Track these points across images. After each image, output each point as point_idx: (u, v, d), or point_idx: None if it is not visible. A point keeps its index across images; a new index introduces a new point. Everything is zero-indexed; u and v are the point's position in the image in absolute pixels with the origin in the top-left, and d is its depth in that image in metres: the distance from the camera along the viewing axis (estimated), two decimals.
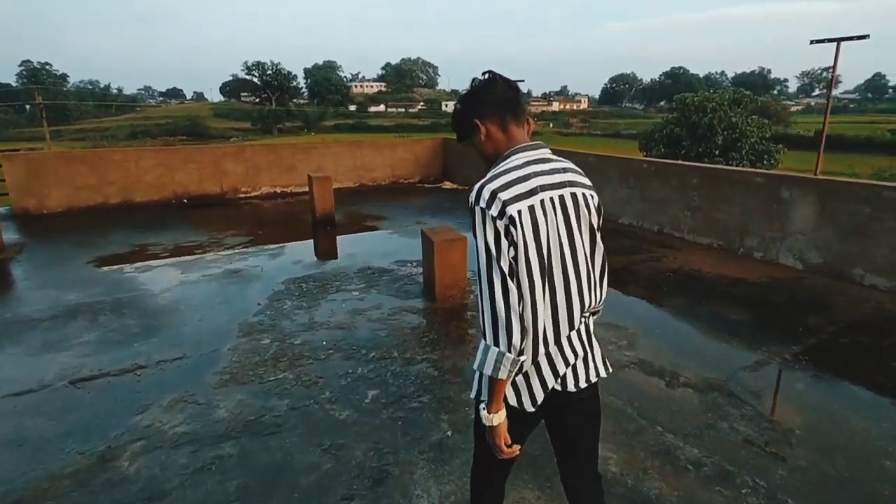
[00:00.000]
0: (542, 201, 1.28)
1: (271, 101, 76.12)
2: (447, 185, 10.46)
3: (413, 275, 5.09)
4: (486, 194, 1.26)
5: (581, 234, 1.36)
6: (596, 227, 1.40)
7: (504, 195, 1.25)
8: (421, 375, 3.20)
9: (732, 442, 2.54)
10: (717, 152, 15.13)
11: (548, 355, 1.35)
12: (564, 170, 1.37)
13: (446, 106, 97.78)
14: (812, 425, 2.68)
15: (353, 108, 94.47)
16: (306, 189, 9.75)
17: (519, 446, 1.37)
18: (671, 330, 3.87)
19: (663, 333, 3.77)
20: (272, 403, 2.92)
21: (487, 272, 1.25)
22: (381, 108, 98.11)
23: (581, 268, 1.36)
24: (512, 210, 1.23)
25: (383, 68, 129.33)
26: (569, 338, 1.37)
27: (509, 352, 1.23)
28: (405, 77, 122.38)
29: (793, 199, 5.08)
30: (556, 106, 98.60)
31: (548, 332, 1.33)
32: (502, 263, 1.24)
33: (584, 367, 1.42)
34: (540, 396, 1.37)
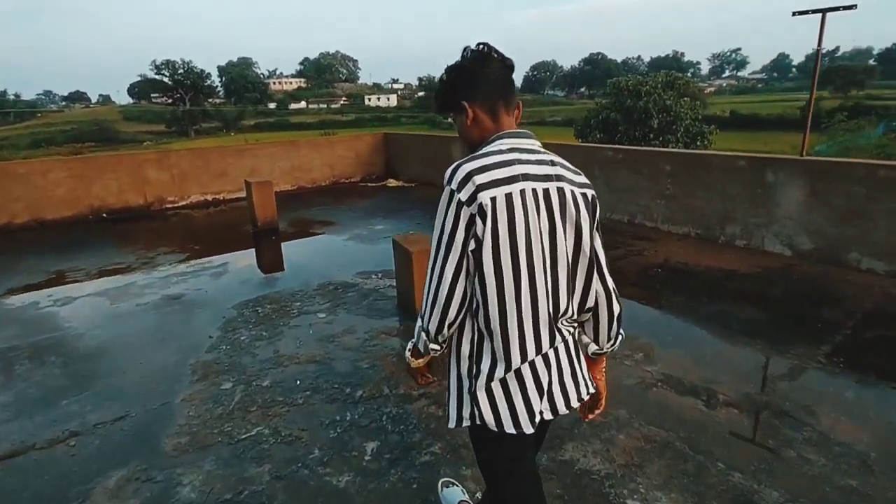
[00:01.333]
0: (522, 191, 1.16)
1: (185, 101, 71.23)
2: (392, 182, 9.97)
3: (381, 288, 4.63)
4: (459, 175, 1.16)
5: (565, 234, 1.23)
6: (586, 228, 1.25)
7: (480, 178, 1.14)
8: (423, 416, 2.77)
9: (811, 477, 2.24)
10: (651, 135, 15.65)
11: (531, 367, 1.25)
12: (552, 163, 1.25)
13: (369, 100, 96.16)
14: (882, 442, 2.44)
15: (272, 105, 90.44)
16: (241, 195, 9.00)
17: (430, 377, 1.44)
18: (684, 336, 3.64)
19: (677, 340, 3.55)
20: (250, 472, 2.40)
21: (435, 253, 1.18)
22: (303, 104, 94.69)
23: (560, 272, 1.23)
24: (484, 197, 1.12)
25: (301, 63, 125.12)
26: (545, 354, 1.26)
27: (426, 332, 1.25)
28: (325, 72, 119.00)
29: (779, 183, 5.00)
30: None
31: (526, 342, 1.21)
32: (457, 252, 1.15)
33: (564, 390, 1.31)
34: (529, 416, 1.26)
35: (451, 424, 1.32)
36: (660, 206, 5.98)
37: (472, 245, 1.15)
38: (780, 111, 46.73)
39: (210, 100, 79.69)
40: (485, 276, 1.17)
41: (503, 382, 1.25)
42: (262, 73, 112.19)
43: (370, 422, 2.75)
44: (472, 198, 1.13)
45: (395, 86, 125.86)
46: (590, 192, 1.28)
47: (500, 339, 1.20)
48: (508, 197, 1.14)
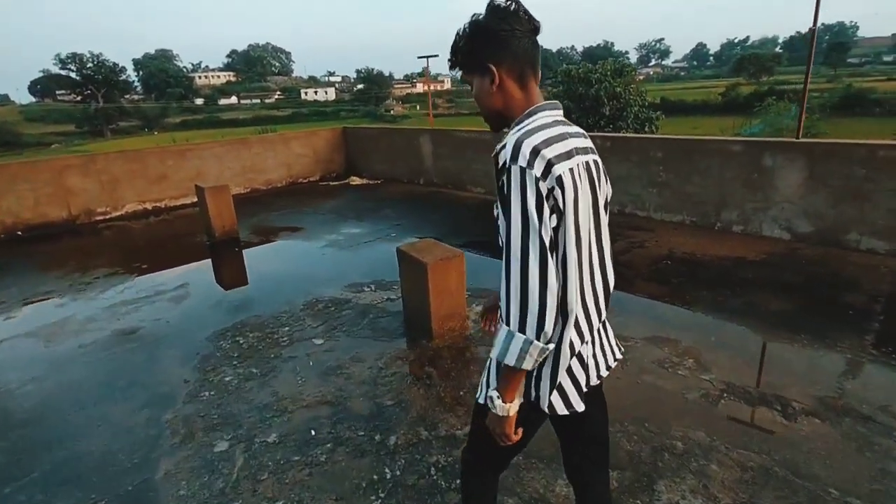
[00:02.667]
0: (577, 165, 1.12)
1: (97, 98, 65.80)
2: (355, 180, 9.29)
3: (379, 303, 4.07)
4: (526, 150, 1.05)
5: (601, 206, 1.23)
6: (609, 197, 1.29)
7: (548, 153, 1.06)
8: None
9: None
10: (602, 122, 15.71)
11: (592, 342, 1.24)
12: (583, 135, 1.23)
13: (305, 94, 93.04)
14: None
15: (199, 101, 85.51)
16: (187, 202, 8.08)
17: (521, 430, 1.22)
18: (724, 335, 3.33)
19: (721, 342, 3.23)
20: None
21: (523, 244, 1.05)
22: (234, 99, 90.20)
23: (604, 244, 1.25)
24: (559, 170, 1.06)
25: (229, 56, 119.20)
26: (602, 323, 1.29)
27: (538, 339, 1.06)
28: (255, 65, 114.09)
29: (777, 166, 4.84)
30: (420, 87, 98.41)
31: (591, 315, 1.21)
32: (543, 234, 1.05)
33: (604, 355, 1.32)
34: (583, 393, 1.24)
35: (481, 399, 1.29)
36: (652, 194, 5.74)
37: (553, 222, 1.07)
38: (703, 97, 49.08)
39: (126, 96, 74.20)
40: (567, 253, 1.10)
41: (576, 363, 1.22)
42: (186, 67, 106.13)
43: (418, 478, 2.23)
44: (547, 172, 1.05)
45: (333, 79, 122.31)
46: (599, 159, 1.27)
47: (573, 317, 1.15)
48: (571, 172, 1.09)
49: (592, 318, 1.22)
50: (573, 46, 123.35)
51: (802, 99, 4.96)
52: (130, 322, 3.98)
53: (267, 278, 4.82)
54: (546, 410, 1.21)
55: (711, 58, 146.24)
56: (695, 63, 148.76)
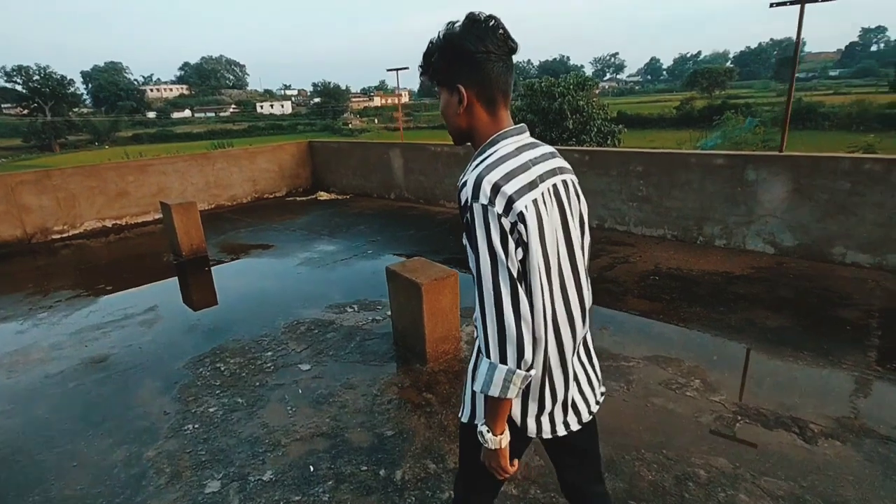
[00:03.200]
0: (542, 194, 1.13)
1: (45, 111, 62.48)
2: (323, 195, 9.12)
3: (364, 325, 3.96)
4: (486, 188, 1.07)
5: (573, 226, 1.24)
6: (586, 214, 1.31)
7: (508, 188, 1.08)
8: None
9: None
10: (566, 135, 16.03)
11: (568, 362, 1.25)
12: (552, 154, 1.25)
13: (261, 108, 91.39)
14: None
15: (152, 114, 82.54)
16: (149, 219, 7.74)
17: (517, 461, 1.25)
18: (726, 353, 3.36)
19: (723, 360, 3.26)
20: None
21: (493, 279, 1.08)
22: (187, 113, 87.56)
23: (578, 266, 1.25)
24: (520, 206, 1.07)
25: (182, 69, 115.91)
26: (576, 352, 1.29)
27: (519, 368, 1.09)
28: (209, 78, 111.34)
29: (761, 180, 4.89)
30: (377, 101, 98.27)
31: (564, 338, 1.22)
32: (510, 267, 1.07)
33: (591, 388, 1.36)
34: (567, 423, 1.29)
35: (464, 419, 1.31)
36: (632, 208, 5.85)
37: (519, 255, 1.09)
38: (658, 111, 50.93)
39: (75, 109, 70.84)
40: (531, 283, 1.12)
41: (557, 383, 1.24)
42: (137, 80, 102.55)
43: None
44: (508, 208, 1.07)
45: (289, 92, 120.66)
46: (574, 177, 1.29)
47: (544, 343, 1.17)
48: (535, 203, 1.10)
49: (566, 341, 1.23)
50: (529, 60, 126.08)
51: (786, 112, 5.16)
52: (99, 349, 3.72)
53: (242, 299, 4.62)
54: (532, 436, 1.25)
55: (665, 72, 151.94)
56: (649, 77, 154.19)
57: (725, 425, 2.63)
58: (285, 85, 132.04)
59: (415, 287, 3.21)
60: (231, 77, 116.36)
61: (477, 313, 1.11)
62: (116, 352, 3.68)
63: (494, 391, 1.09)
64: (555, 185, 1.17)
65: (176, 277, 5.35)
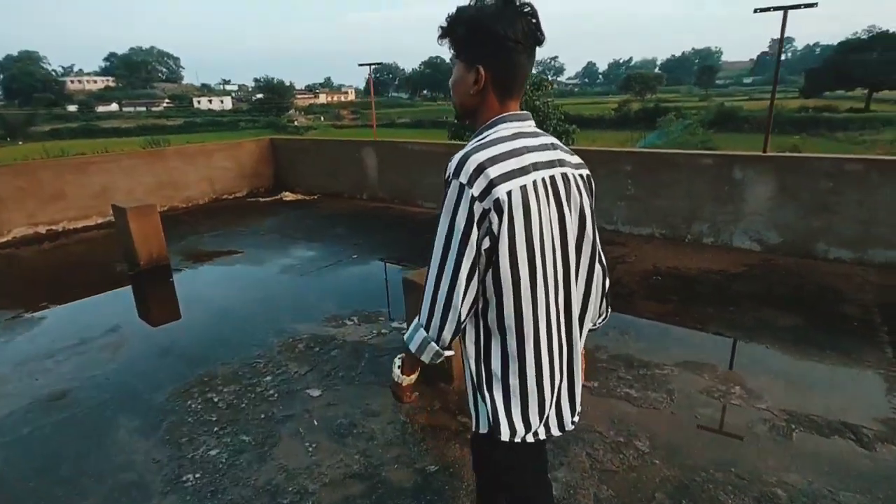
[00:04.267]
0: (534, 182, 1.07)
1: None
2: (288, 196, 8.53)
3: (369, 339, 3.57)
4: (470, 166, 1.03)
5: (570, 222, 1.17)
6: (589, 213, 1.22)
7: (493, 171, 1.03)
8: None
9: None
10: None
11: (537, 364, 1.16)
12: (553, 146, 1.18)
13: (198, 103, 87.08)
14: None
15: (73, 108, 76.61)
16: (90, 223, 6.93)
17: (416, 393, 1.30)
18: (753, 356, 3.24)
19: (753, 364, 3.14)
20: None
21: (442, 257, 1.07)
22: (114, 107, 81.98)
23: (570, 265, 1.19)
24: (500, 192, 1.02)
25: (107, 60, 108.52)
26: (562, 348, 1.20)
27: (436, 342, 1.12)
28: (139, 70, 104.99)
29: (747, 180, 4.98)
30: (323, 98, 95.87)
31: (541, 335, 1.14)
32: (464, 252, 1.04)
33: (570, 403, 1.28)
34: (541, 421, 1.22)
35: (483, 429, 1.25)
36: (620, 207, 5.75)
37: (486, 243, 1.05)
38: (598, 112, 52.72)
39: None
40: (500, 274, 1.09)
41: (518, 383, 1.17)
42: (55, 70, 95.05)
43: None
44: (486, 192, 1.03)
45: (228, 87, 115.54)
46: (586, 173, 1.24)
47: (514, 336, 1.13)
48: (524, 189, 1.06)
49: (542, 341, 1.16)
50: None
51: (769, 115, 5.18)
52: (55, 382, 3.13)
53: (222, 315, 4.09)
54: (504, 439, 1.20)
55: (601, 76, 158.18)
56: (586, 80, 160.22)
57: (783, 435, 2.49)
58: (224, 80, 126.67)
59: None
60: (164, 70, 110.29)
61: (426, 276, 1.12)
62: (77, 385, 3.11)
63: (412, 347, 1.16)
64: (552, 177, 1.12)
65: (134, 291, 4.73)
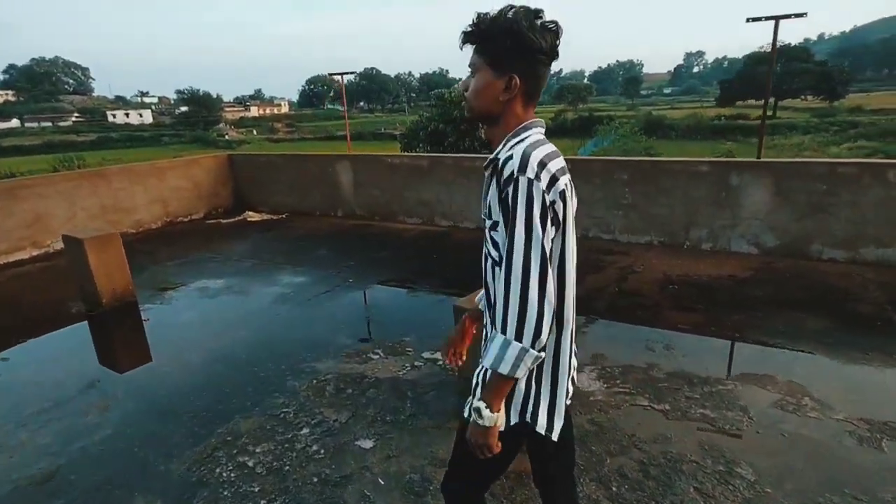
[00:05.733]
0: (569, 181, 1.18)
1: None
2: (253, 216, 7.90)
3: (403, 374, 3.22)
4: (534, 162, 1.09)
5: (572, 224, 1.23)
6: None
7: (552, 166, 1.12)
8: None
9: None
10: (477, 145, 16.08)
11: (569, 366, 1.26)
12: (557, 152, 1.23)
13: (113, 116, 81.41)
14: None
15: None
16: (25, 256, 6.10)
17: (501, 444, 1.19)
18: (804, 364, 3.18)
19: (807, 371, 3.09)
20: None
21: (525, 254, 1.07)
22: (15, 122, 74.90)
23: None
24: (561, 184, 1.12)
25: (6, 72, 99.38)
26: (572, 339, 1.28)
27: (533, 347, 1.08)
28: (42, 82, 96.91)
29: (744, 185, 5.06)
30: (254, 111, 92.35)
31: (572, 327, 1.24)
32: (546, 244, 1.08)
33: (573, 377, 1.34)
34: (562, 410, 1.26)
35: (514, 421, 1.22)
36: (617, 216, 5.72)
37: (552, 233, 1.11)
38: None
39: None
40: (565, 264, 1.16)
41: (559, 376, 1.24)
42: None
43: None
44: (552, 184, 1.10)
45: (147, 99, 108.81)
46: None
47: (570, 326, 1.21)
48: (566, 186, 1.15)
49: (572, 327, 1.25)
50: (410, 72, 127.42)
51: (762, 123, 5.33)
52: (36, 459, 2.55)
53: (219, 358, 3.58)
54: (542, 433, 1.22)
55: None
56: None
57: (873, 447, 2.42)
58: (141, 91, 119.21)
59: None
60: (72, 82, 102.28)
61: (498, 288, 1.10)
62: (66, 461, 2.55)
63: (504, 368, 1.08)
64: (570, 180, 1.20)
65: (99, 336, 4.09)
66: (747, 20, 4.89)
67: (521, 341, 1.07)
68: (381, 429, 2.69)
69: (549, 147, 1.17)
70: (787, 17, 4.66)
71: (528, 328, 1.06)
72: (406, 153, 6.83)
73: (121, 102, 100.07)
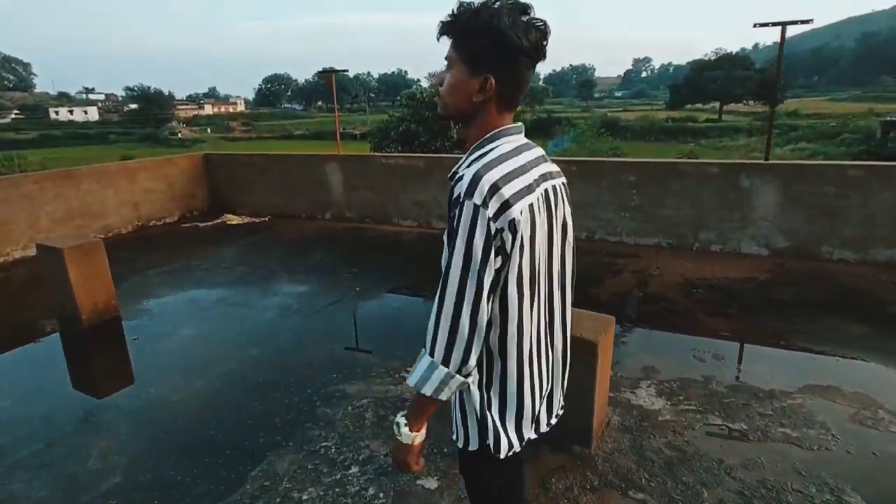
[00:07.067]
0: (537, 198, 1.08)
1: None
2: (232, 219, 7.38)
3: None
4: (484, 186, 0.99)
5: (556, 234, 1.18)
6: (570, 220, 1.24)
7: (506, 191, 1.01)
8: None
9: None
10: (449, 145, 15.87)
11: (531, 380, 1.17)
12: (544, 158, 1.19)
13: (56, 113, 76.93)
14: None
15: None
16: None
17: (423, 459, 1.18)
18: (859, 372, 3.09)
19: (870, 381, 2.96)
20: None
21: (461, 282, 1.02)
22: None
23: (553, 274, 1.19)
24: (514, 212, 1.01)
25: None
26: (548, 360, 1.22)
27: (459, 373, 1.05)
28: None
29: (754, 187, 5.01)
30: (209, 109, 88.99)
31: (533, 352, 1.16)
32: (484, 276, 1.01)
33: (549, 403, 1.27)
34: (528, 433, 1.22)
35: (474, 447, 1.18)
36: (624, 218, 5.59)
37: (497, 263, 1.03)
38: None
39: None
40: (507, 295, 1.08)
41: (517, 401, 1.17)
42: None
43: None
44: (501, 212, 1.00)
45: (93, 96, 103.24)
46: (564, 180, 1.24)
47: (515, 356, 1.13)
48: (531, 208, 1.06)
49: (544, 350, 1.19)
50: (369, 73, 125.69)
51: (769, 125, 5.28)
52: None
53: (231, 382, 3.18)
54: (499, 455, 1.18)
55: None
56: None
57: None
58: (87, 88, 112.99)
59: (582, 347, 2.35)
60: (12, 77, 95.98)
61: (433, 308, 1.06)
62: None
63: (428, 390, 1.06)
64: (546, 191, 1.12)
65: (82, 359, 3.62)
66: (754, 25, 4.85)
67: (447, 366, 1.04)
68: (442, 464, 2.39)
69: (516, 161, 1.07)
70: (794, 23, 4.62)
71: (456, 355, 1.03)
72: (401, 153, 6.52)
73: (64, 99, 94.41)
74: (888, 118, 31.63)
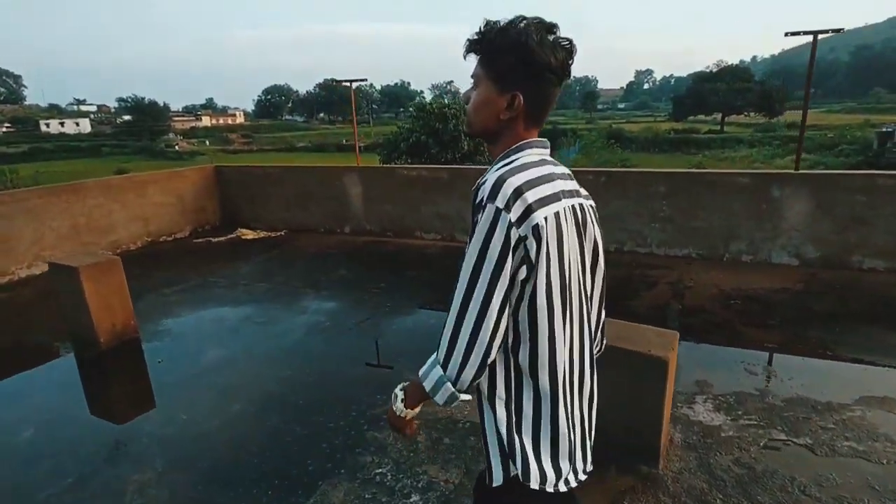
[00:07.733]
0: (564, 209, 1.05)
1: None
2: (247, 233, 7.22)
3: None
4: (507, 189, 0.97)
5: (587, 253, 1.14)
6: (601, 242, 1.19)
7: (530, 195, 0.98)
8: None
9: None
10: (459, 157, 15.83)
11: (566, 404, 1.09)
12: (570, 176, 1.15)
13: (47, 126, 76.53)
14: None
15: None
16: None
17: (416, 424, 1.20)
18: None
19: None
20: None
21: (469, 286, 0.99)
22: None
23: (582, 296, 1.12)
24: (538, 217, 0.98)
25: None
26: (582, 387, 1.14)
27: (452, 384, 1.02)
28: None
29: (785, 197, 4.97)
30: (207, 121, 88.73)
31: (566, 371, 1.08)
32: (497, 284, 0.97)
33: (583, 445, 1.15)
34: (572, 470, 1.12)
35: (498, 482, 1.09)
36: (654, 229, 5.50)
37: (522, 273, 0.99)
38: None
39: None
40: (537, 308, 1.02)
41: (551, 427, 1.08)
42: None
43: None
44: (524, 217, 0.97)
45: (85, 108, 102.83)
46: (593, 203, 1.21)
47: (548, 375, 1.06)
48: (556, 216, 1.02)
49: (572, 382, 1.11)
50: (372, 84, 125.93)
51: (800, 135, 5.23)
52: None
53: (269, 406, 3.02)
54: (534, 486, 1.07)
55: None
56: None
57: None
58: (78, 99, 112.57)
59: (652, 363, 2.23)
60: (2, 90, 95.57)
61: (450, 310, 1.02)
62: None
63: (427, 385, 1.05)
64: (573, 207, 1.09)
65: (102, 385, 3.46)
66: (786, 34, 4.82)
67: (444, 370, 1.03)
68: None
69: (542, 170, 1.05)
70: (825, 32, 4.61)
71: (453, 362, 1.02)
72: (424, 165, 6.44)
73: (55, 111, 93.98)
74: (884, 129, 31.99)
